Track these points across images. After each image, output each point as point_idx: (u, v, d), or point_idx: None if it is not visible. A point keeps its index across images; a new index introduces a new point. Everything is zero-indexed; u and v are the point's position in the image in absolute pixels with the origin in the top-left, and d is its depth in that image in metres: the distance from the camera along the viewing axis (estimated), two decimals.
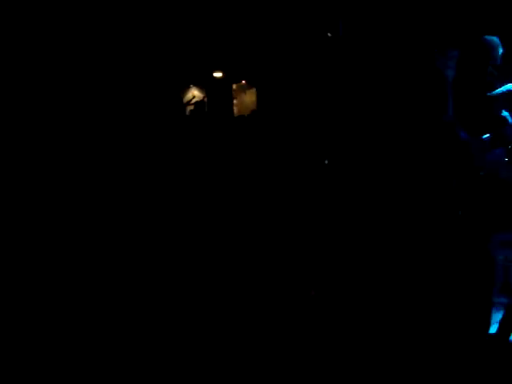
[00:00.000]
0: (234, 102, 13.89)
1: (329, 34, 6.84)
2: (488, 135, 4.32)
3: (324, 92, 5.69)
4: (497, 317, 3.43)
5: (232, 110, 13.63)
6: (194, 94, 13.49)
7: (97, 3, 9.14)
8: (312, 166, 5.44)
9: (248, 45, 11.76)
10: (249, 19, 10.76)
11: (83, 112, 9.17)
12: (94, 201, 7.58)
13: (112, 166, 9.58)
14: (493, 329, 3.39)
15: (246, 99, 13.97)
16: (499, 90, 4.38)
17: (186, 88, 13.58)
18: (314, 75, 5.80)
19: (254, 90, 13.79)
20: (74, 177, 8.07)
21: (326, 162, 5.30)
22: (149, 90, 10.38)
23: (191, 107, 13.16)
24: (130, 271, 4.24)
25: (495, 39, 4.45)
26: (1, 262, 4.44)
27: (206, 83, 13.50)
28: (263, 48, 11.90)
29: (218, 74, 13.11)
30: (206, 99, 13.84)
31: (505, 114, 4.45)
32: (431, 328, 3.30)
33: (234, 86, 13.88)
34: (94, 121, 9.14)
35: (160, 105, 9.17)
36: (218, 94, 13.57)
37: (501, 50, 4.43)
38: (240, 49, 11.89)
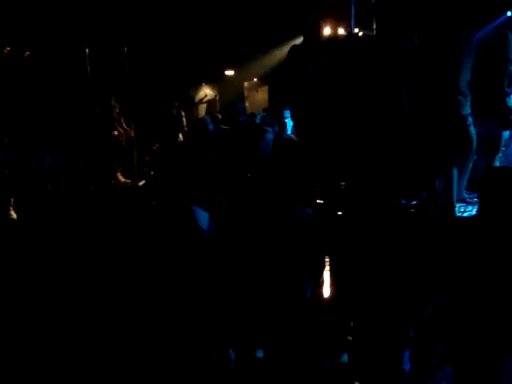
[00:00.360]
0: (246, 99, 13.87)
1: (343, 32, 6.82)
2: None
3: (337, 90, 5.67)
4: None
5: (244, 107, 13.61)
6: (206, 92, 13.48)
7: (112, 3, 9.18)
8: (324, 166, 5.42)
9: (259, 43, 11.75)
10: (260, 19, 10.75)
11: (95, 110, 9.24)
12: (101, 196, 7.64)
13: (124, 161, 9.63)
14: None
15: (257, 97, 13.94)
16: None
17: (198, 86, 13.57)
18: (328, 74, 5.77)
19: (265, 88, 13.77)
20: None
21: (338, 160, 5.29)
22: (161, 89, 10.43)
23: (204, 105, 13.17)
24: (131, 272, 4.23)
25: None
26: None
27: (217, 81, 13.49)
28: (275, 46, 11.88)
29: (229, 73, 13.09)
30: (217, 97, 13.85)
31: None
32: None
33: (246, 84, 13.85)
34: (106, 118, 9.20)
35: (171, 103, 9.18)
36: (230, 92, 13.56)
37: None
38: (251, 47, 11.88)
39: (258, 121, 10.22)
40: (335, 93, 4.92)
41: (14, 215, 6.39)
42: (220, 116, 11.88)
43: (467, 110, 4.43)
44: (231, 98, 13.47)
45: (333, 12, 7.34)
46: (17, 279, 4.19)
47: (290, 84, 5.60)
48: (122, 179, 9.41)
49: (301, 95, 5.36)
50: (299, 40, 6.05)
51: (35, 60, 9.45)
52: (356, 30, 7.08)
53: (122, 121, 9.44)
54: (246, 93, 13.76)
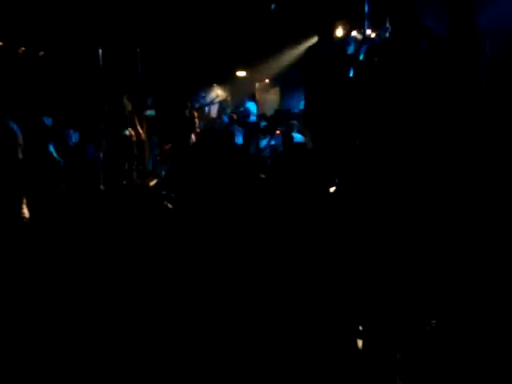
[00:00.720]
0: (257, 101, 13.87)
1: (356, 35, 6.79)
2: None
3: (349, 91, 5.66)
4: None
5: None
6: (218, 93, 13.51)
7: (129, 6, 9.24)
8: (335, 166, 5.41)
9: (271, 44, 11.75)
10: (272, 20, 10.76)
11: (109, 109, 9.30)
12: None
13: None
14: None
15: (268, 98, 13.95)
16: None
17: (210, 87, 13.60)
18: (340, 74, 5.77)
19: (277, 89, 13.77)
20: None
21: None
22: (173, 89, 10.46)
23: (215, 106, 13.21)
24: (130, 272, 4.24)
25: None
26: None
27: (229, 82, 13.51)
28: (287, 47, 11.88)
29: (241, 73, 13.10)
30: (229, 98, 13.87)
31: None
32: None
33: (257, 85, 13.86)
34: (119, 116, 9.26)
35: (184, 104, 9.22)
36: (241, 93, 13.58)
37: None
38: (263, 48, 11.89)
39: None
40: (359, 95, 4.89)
41: (26, 214, 6.42)
42: (235, 116, 11.91)
43: None
44: (242, 99, 13.52)
45: (347, 13, 7.34)
46: (23, 278, 4.21)
47: (307, 85, 5.59)
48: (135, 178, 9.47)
49: (318, 95, 5.35)
50: (311, 41, 6.05)
51: (49, 59, 9.52)
52: (369, 32, 7.06)
53: (136, 120, 9.48)
54: (257, 94, 13.76)
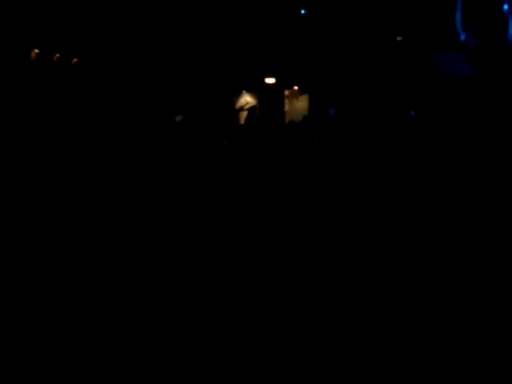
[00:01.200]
0: (286, 107, 13.90)
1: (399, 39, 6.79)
2: None
3: (378, 97, 5.68)
4: None
5: (283, 115, 13.66)
6: (247, 100, 13.59)
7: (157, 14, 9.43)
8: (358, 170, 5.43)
9: (301, 51, 11.79)
10: (301, 27, 10.81)
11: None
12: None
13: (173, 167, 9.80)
14: None
15: (297, 105, 13.96)
16: None
17: (239, 94, 13.71)
18: (368, 80, 5.79)
19: (305, 96, 13.78)
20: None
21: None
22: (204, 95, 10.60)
23: (245, 113, 13.28)
24: (130, 269, 4.30)
25: None
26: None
27: (258, 89, 13.60)
28: (316, 54, 11.91)
29: (270, 80, 13.18)
30: (257, 105, 13.93)
31: None
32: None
33: (286, 92, 13.91)
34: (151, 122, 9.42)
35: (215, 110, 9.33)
36: (270, 100, 13.63)
37: None
38: (293, 55, 11.94)
39: None
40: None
41: None
42: None
43: None
44: (271, 106, 13.55)
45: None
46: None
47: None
48: None
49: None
50: (342, 48, 6.10)
51: (86, 67, 9.76)
52: (399, 38, 7.08)
53: None
54: (286, 101, 13.81)
